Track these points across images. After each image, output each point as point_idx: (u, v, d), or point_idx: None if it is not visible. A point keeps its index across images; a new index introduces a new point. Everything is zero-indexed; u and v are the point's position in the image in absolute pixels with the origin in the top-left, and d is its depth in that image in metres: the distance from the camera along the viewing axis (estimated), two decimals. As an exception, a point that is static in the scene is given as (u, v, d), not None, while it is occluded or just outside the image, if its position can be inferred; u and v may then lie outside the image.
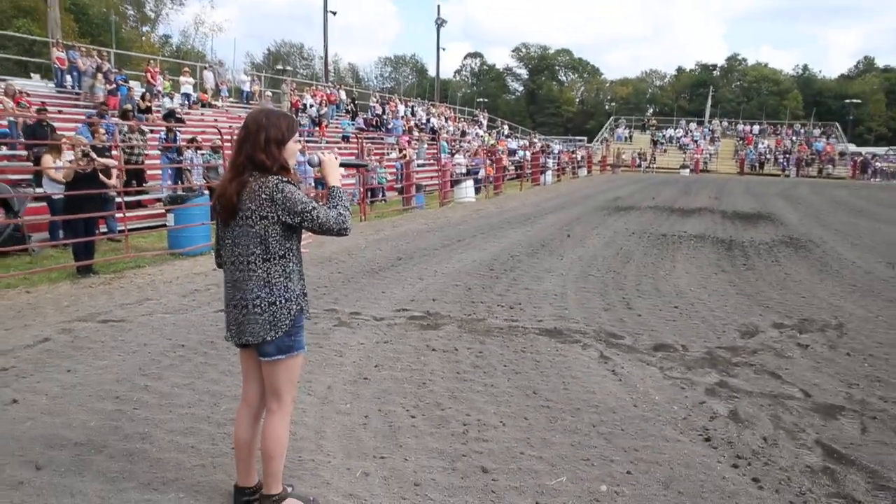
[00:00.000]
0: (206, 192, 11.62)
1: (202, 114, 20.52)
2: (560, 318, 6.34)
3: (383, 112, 28.63)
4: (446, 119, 34.96)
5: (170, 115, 16.85)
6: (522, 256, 9.82)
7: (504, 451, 3.50)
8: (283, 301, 2.55)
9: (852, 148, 49.95)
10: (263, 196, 2.45)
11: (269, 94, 23.25)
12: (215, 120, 20.22)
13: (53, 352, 5.02)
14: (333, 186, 2.65)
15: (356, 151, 17.73)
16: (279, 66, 59.81)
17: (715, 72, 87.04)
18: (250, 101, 24.17)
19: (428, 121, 31.59)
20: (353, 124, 25.57)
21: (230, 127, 15.08)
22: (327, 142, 22.40)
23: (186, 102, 20.12)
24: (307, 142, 19.69)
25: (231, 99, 24.51)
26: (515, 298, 7.14)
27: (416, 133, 27.90)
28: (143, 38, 60.21)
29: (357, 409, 4.00)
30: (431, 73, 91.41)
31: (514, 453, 3.48)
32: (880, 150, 51.78)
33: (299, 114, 23.24)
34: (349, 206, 2.73)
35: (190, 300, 6.78)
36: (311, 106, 23.61)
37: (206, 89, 22.04)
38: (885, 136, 71.85)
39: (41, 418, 3.76)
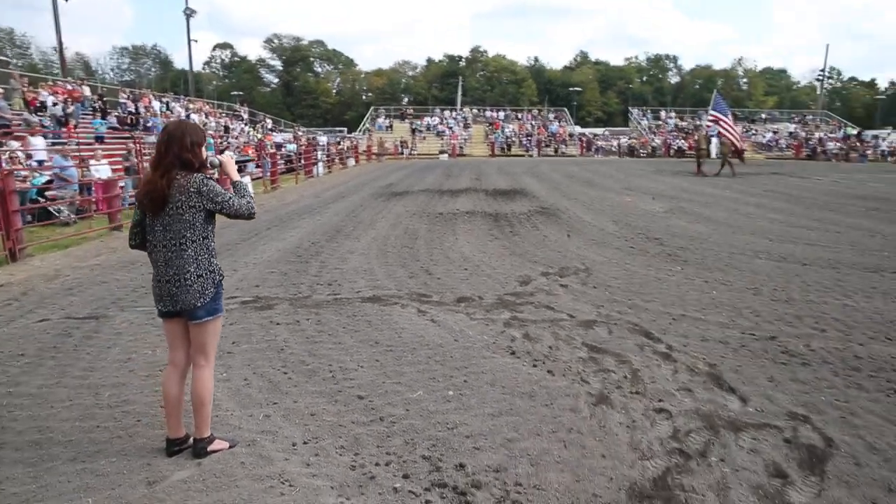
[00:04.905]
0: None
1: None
2: (375, 288, 7.34)
3: (136, 109, 26.69)
4: (206, 115, 33.58)
5: None
6: (322, 242, 10.58)
7: (369, 383, 4.43)
8: (208, 273, 3.19)
9: (578, 130, 58.38)
10: (192, 189, 3.06)
11: (0, 90, 20.41)
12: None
13: None
14: (237, 181, 3.32)
15: (124, 152, 16.69)
16: (-11, 58, 51.25)
17: (461, 62, 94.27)
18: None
19: (188, 117, 30.10)
20: (105, 123, 23.53)
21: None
22: (78, 143, 20.45)
23: None
24: (53, 145, 17.88)
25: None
26: (330, 277, 7.96)
27: (177, 130, 26.49)
28: None
29: (234, 375, 4.60)
30: (177, 64, 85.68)
31: (378, 383, 4.42)
32: (599, 131, 61.26)
33: (37, 113, 20.85)
34: (252, 195, 3.41)
35: (-4, 316, 6.45)
36: (55, 104, 21.28)
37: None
38: (601, 119, 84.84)
39: None
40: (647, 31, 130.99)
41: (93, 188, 14.00)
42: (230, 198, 3.16)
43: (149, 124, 24.80)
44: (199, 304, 3.16)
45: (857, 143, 45.52)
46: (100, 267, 8.83)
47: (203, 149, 3.16)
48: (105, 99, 26.86)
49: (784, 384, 4.43)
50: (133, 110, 26.25)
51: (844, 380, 4.51)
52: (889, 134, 51.41)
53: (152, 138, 22.98)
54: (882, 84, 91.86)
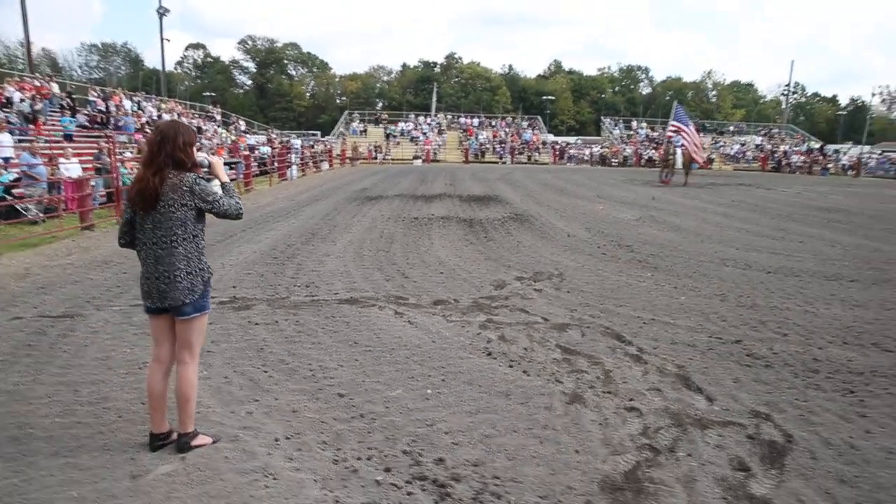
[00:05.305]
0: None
1: None
2: (352, 290, 7.41)
3: (107, 108, 26.27)
4: (179, 115, 33.17)
5: None
6: (298, 245, 10.60)
7: (349, 382, 4.51)
8: (198, 271, 3.26)
9: (551, 138, 59.10)
10: (185, 188, 3.13)
11: (-36, 87, 19.96)
12: None
13: None
14: (225, 182, 3.39)
15: (95, 151, 16.45)
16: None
17: (436, 68, 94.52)
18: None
19: (159, 117, 29.72)
20: (74, 121, 23.13)
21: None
22: (46, 141, 20.07)
23: None
24: (20, 142, 17.53)
25: None
26: (307, 279, 8.01)
27: (148, 130, 26.17)
28: None
29: (214, 373, 4.64)
30: (148, 63, 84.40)
31: (357, 382, 4.51)
32: (571, 139, 62.09)
33: (2, 110, 20.42)
34: (239, 196, 3.49)
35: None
36: (22, 101, 20.84)
37: None
38: (574, 128, 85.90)
39: None
40: (620, 43, 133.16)
41: (62, 187, 13.78)
42: (220, 197, 3.24)
43: (120, 123, 24.44)
44: (188, 301, 3.23)
45: (820, 157, 46.92)
46: (72, 266, 8.73)
47: (194, 149, 3.24)
48: (74, 97, 26.44)
49: (748, 385, 4.64)
50: (103, 109, 25.86)
51: (804, 381, 4.73)
52: (850, 148, 53.17)
53: (124, 137, 22.70)
54: (843, 100, 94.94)
